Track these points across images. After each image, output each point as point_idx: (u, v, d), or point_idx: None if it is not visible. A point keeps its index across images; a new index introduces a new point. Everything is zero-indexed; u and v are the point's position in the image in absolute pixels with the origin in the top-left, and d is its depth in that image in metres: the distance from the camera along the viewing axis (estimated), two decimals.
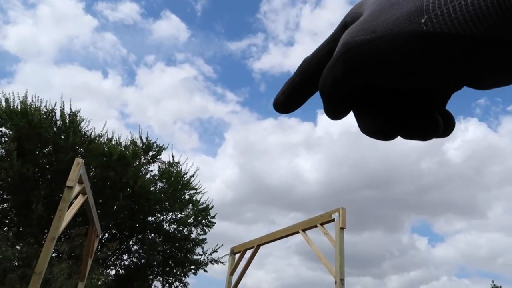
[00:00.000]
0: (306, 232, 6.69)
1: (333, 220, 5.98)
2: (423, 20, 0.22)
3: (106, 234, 14.21)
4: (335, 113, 0.31)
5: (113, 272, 14.28)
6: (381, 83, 0.27)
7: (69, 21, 27.62)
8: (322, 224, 6.26)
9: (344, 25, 0.31)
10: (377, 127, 0.29)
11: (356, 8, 0.30)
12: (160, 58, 34.19)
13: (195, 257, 15.18)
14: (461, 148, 44.37)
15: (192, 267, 15.06)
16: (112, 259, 14.40)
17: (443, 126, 0.29)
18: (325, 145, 40.18)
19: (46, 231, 11.12)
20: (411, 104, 0.29)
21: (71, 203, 4.73)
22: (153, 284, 14.85)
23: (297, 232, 6.85)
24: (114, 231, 14.47)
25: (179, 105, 34.09)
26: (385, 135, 0.29)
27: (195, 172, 15.68)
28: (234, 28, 42.65)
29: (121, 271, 14.57)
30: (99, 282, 11.39)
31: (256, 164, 35.17)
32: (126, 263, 14.88)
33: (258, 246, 7.90)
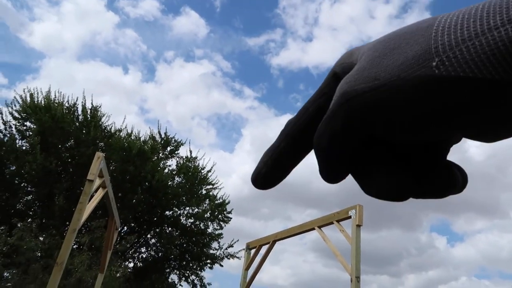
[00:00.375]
0: (322, 229, 6.68)
1: (350, 217, 5.95)
2: (434, 63, 0.20)
3: (125, 227, 14.48)
4: (334, 174, 0.27)
5: (131, 265, 14.58)
6: (386, 136, 0.24)
7: (91, 17, 28.15)
8: (338, 221, 6.24)
9: (333, 77, 0.29)
10: (389, 188, 0.25)
11: (346, 58, 0.28)
12: (179, 54, 34.42)
13: (211, 251, 15.35)
14: (483, 146, 43.27)
15: (208, 261, 15.22)
16: (130, 252, 14.68)
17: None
18: None
19: (67, 223, 11.42)
20: (419, 158, 0.26)
21: (91, 196, 4.85)
22: (170, 277, 15.10)
23: (313, 229, 6.84)
24: (133, 225, 14.74)
25: (198, 101, 34.30)
26: (400, 196, 0.25)
27: (212, 167, 15.85)
28: (252, 24, 42.65)
29: (139, 264, 14.84)
30: (118, 274, 11.64)
31: None
32: (144, 256, 15.16)
33: (274, 242, 7.93)
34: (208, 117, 35.15)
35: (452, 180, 0.26)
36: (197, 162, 15.55)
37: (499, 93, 0.19)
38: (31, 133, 12.67)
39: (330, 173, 0.27)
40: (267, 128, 38.41)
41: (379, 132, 0.24)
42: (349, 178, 0.28)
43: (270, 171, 0.30)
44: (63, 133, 12.71)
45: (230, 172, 32.51)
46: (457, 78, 0.19)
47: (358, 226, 5.77)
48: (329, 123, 0.25)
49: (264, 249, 8.24)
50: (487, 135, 0.23)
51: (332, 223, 6.36)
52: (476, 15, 0.20)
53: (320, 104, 0.29)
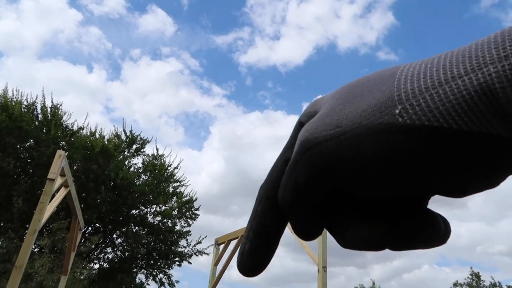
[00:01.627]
0: None
1: None
2: (397, 111, 0.19)
3: (89, 228, 14.09)
4: (305, 230, 0.25)
5: (96, 266, 14.21)
6: (350, 187, 0.22)
7: (53, 15, 27.10)
8: None
9: (299, 127, 0.26)
10: (362, 240, 0.23)
11: (310, 108, 0.27)
12: (146, 52, 33.84)
13: (179, 249, 15.22)
14: None
15: (177, 259, 15.09)
16: (95, 253, 14.30)
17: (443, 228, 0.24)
18: None
19: (27, 225, 10.96)
20: (395, 208, 0.24)
21: (53, 196, 4.69)
22: (137, 277, 14.85)
23: None
24: (98, 225, 14.36)
25: (165, 99, 33.86)
26: (377, 246, 0.23)
27: (178, 164, 15.70)
28: (220, 22, 42.55)
29: (105, 265, 14.50)
30: (82, 276, 11.32)
31: (243, 157, 35.24)
32: (110, 256, 14.82)
33: (242, 236, 7.96)
34: (176, 115, 34.87)
35: (432, 230, 0.23)
36: (164, 160, 15.36)
37: (467, 144, 0.18)
38: None
39: (301, 229, 0.25)
40: (235, 125, 38.47)
41: (343, 184, 0.22)
42: None
43: (255, 244, 0.27)
44: (21, 133, 12.16)
45: (199, 170, 32.40)
46: (422, 126, 0.18)
47: None
48: (291, 174, 0.23)
49: (233, 245, 8.26)
50: (456, 189, 0.21)
51: None
52: (439, 64, 0.19)
53: (288, 157, 0.26)
